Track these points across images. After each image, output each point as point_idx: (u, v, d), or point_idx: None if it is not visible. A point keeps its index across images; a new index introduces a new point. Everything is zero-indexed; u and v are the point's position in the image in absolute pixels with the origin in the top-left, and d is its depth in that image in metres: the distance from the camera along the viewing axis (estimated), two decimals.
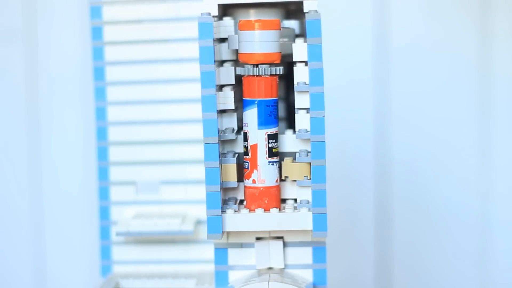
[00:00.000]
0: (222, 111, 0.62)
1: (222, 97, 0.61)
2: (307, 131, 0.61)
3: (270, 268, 0.64)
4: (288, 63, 0.63)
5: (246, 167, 0.62)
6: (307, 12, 0.60)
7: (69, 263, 1.07)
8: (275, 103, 0.61)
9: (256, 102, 0.61)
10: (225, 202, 0.62)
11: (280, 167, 0.62)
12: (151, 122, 0.77)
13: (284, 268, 0.64)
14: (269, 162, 0.61)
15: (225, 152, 0.63)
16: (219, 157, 0.60)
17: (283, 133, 0.63)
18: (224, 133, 0.62)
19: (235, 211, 0.61)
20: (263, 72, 0.61)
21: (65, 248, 1.06)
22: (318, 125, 0.60)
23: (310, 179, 0.61)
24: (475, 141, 1.02)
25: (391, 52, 1.02)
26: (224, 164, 0.62)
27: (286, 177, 0.62)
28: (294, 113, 0.62)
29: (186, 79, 0.76)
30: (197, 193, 0.76)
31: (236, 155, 0.62)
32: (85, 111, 1.04)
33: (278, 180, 0.62)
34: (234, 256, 0.64)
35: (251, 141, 0.61)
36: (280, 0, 0.63)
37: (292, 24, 0.67)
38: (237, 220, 0.61)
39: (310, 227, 0.61)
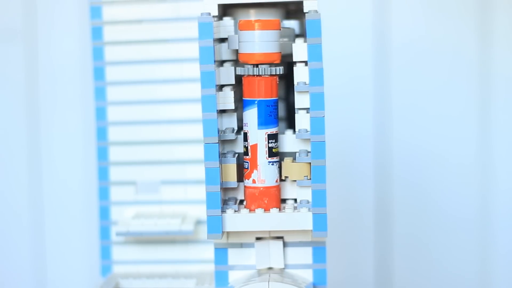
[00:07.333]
0: (222, 111, 0.62)
1: (222, 97, 0.61)
2: (307, 131, 0.61)
3: (270, 268, 0.64)
4: (288, 63, 0.63)
5: (246, 167, 0.62)
6: (307, 12, 0.60)
7: (69, 263, 1.06)
8: (275, 103, 0.61)
9: (256, 102, 0.61)
10: (225, 202, 0.62)
11: (280, 167, 0.62)
12: (151, 122, 0.77)
13: (284, 268, 0.64)
14: (269, 162, 0.61)
15: (225, 152, 0.63)
16: (219, 157, 0.60)
17: (283, 133, 0.63)
18: (224, 133, 0.62)
19: (235, 211, 0.61)
20: (263, 72, 0.61)
21: (65, 248, 1.06)
22: (318, 125, 0.60)
23: (310, 179, 0.61)
24: (475, 140, 1.02)
25: (391, 52, 1.02)
26: (224, 164, 0.61)
27: (286, 177, 0.62)
28: (294, 113, 0.62)
29: (186, 79, 0.76)
30: (197, 193, 0.76)
31: (236, 155, 0.62)
32: (85, 111, 1.04)
33: (278, 180, 0.62)
34: (234, 256, 0.64)
35: (251, 141, 0.61)
36: (280, 0, 0.63)
37: (292, 24, 0.67)
38: (237, 220, 0.61)
39: (310, 227, 0.61)
